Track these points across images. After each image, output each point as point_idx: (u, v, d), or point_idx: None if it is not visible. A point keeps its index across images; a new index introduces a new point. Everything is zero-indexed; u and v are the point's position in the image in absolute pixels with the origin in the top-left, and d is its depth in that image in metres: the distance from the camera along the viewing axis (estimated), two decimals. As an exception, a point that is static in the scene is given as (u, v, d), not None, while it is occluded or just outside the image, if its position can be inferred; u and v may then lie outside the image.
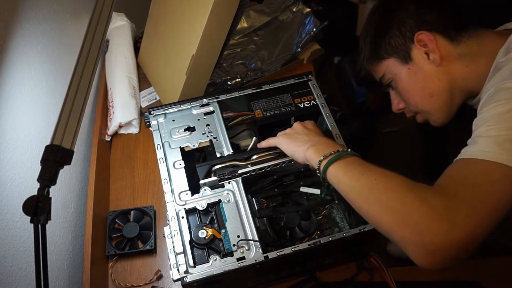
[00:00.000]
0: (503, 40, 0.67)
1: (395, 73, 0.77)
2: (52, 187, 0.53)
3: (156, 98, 1.10)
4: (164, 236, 0.70)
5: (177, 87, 0.94)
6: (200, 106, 0.83)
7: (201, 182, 0.73)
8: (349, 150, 0.65)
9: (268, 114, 0.81)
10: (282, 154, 0.77)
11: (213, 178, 0.73)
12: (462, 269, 0.84)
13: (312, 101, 0.83)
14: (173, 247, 0.67)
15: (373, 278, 0.81)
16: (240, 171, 0.74)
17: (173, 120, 0.81)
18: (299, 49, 1.13)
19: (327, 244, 0.67)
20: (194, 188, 0.73)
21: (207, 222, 0.71)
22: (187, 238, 0.68)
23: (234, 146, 0.79)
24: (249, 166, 0.75)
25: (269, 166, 0.75)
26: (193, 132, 0.80)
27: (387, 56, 0.77)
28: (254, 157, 0.77)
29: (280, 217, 0.76)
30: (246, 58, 1.13)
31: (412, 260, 0.53)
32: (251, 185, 0.77)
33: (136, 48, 1.16)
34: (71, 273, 0.85)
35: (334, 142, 0.72)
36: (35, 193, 0.51)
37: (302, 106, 0.82)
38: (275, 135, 0.83)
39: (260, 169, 0.74)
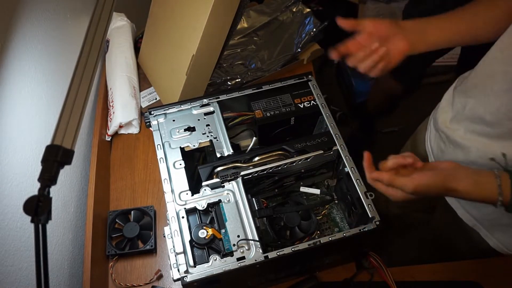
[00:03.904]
0: None
1: None
2: (53, 187, 0.52)
3: (156, 98, 1.10)
4: (164, 236, 0.70)
5: (177, 87, 0.94)
6: (200, 106, 0.83)
7: (204, 184, 0.73)
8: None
9: (268, 114, 0.81)
10: (284, 156, 0.77)
11: (216, 180, 0.73)
12: (462, 269, 0.84)
13: (312, 101, 0.83)
14: (173, 247, 0.67)
15: (373, 278, 0.81)
16: (242, 173, 0.74)
17: (173, 120, 0.81)
18: (299, 49, 1.13)
19: (327, 244, 0.67)
20: (194, 188, 0.73)
21: (207, 222, 0.72)
22: (187, 238, 0.68)
23: (234, 146, 0.79)
24: (251, 167, 0.75)
25: (271, 168, 0.75)
26: (193, 132, 0.80)
27: None
28: (256, 158, 0.77)
29: (280, 217, 0.76)
30: (246, 58, 1.13)
31: None
32: (252, 186, 0.77)
33: (136, 48, 1.16)
34: (72, 273, 0.85)
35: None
36: (36, 193, 0.51)
37: (302, 106, 0.82)
38: (275, 136, 0.83)
39: (262, 170, 0.74)
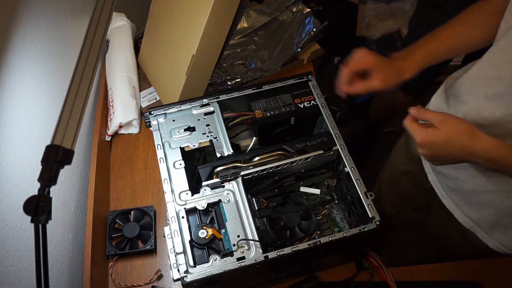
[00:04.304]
0: None
1: None
2: (53, 187, 0.53)
3: (156, 98, 1.10)
4: (164, 236, 0.70)
5: (177, 87, 0.94)
6: (200, 106, 0.83)
7: (204, 184, 0.73)
8: None
9: (268, 114, 0.81)
10: (284, 156, 0.77)
11: (216, 180, 0.73)
12: (462, 269, 0.84)
13: (312, 101, 0.83)
14: (173, 247, 0.67)
15: (373, 278, 0.81)
16: (242, 173, 0.74)
17: (173, 120, 0.81)
18: (299, 49, 1.13)
19: (327, 244, 0.67)
20: (194, 188, 0.73)
21: (207, 222, 0.72)
22: (187, 238, 0.68)
23: (234, 146, 0.79)
24: (251, 167, 0.75)
25: (270, 168, 0.75)
26: (193, 132, 0.80)
27: None
28: (256, 158, 0.77)
29: (280, 217, 0.76)
30: (246, 58, 1.13)
31: None
32: (252, 186, 0.77)
33: (136, 48, 1.16)
34: (72, 273, 0.85)
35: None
36: (36, 193, 0.51)
37: (302, 106, 0.82)
38: (275, 136, 0.83)
39: (262, 170, 0.74)
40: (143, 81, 1.13)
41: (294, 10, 1.20)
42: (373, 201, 0.70)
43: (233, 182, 0.73)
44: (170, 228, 0.69)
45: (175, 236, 0.67)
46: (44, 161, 0.53)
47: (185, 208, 0.70)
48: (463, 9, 0.85)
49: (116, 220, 0.89)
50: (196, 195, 0.72)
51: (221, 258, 0.66)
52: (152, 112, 0.82)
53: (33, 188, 0.52)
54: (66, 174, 0.89)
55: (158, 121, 0.81)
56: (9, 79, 0.70)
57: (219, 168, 0.75)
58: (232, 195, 0.72)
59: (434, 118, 0.63)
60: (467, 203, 0.81)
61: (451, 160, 0.66)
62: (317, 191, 0.81)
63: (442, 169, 0.85)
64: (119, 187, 0.97)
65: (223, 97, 0.84)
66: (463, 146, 0.62)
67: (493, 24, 0.72)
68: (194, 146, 0.78)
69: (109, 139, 1.04)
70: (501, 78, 0.65)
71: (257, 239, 0.67)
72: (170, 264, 0.66)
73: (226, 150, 0.78)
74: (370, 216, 0.68)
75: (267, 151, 0.77)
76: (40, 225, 0.50)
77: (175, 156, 0.76)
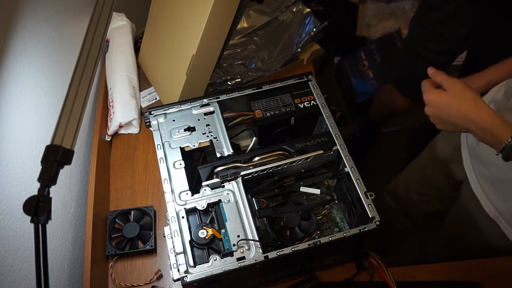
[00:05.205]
0: None
1: None
2: (53, 187, 0.53)
3: (156, 98, 1.10)
4: (164, 236, 0.70)
5: (177, 87, 0.94)
6: (200, 106, 0.83)
7: (204, 184, 0.73)
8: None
9: (268, 114, 0.81)
10: (284, 156, 0.77)
11: (215, 180, 0.73)
12: (462, 269, 0.84)
13: (312, 101, 0.83)
14: (173, 247, 0.67)
15: (373, 278, 0.81)
16: (242, 173, 0.74)
17: (173, 120, 0.81)
18: (299, 49, 1.13)
19: (327, 244, 0.67)
20: (194, 188, 0.73)
21: (207, 222, 0.72)
22: (187, 238, 0.68)
23: (234, 146, 0.79)
24: (251, 167, 0.75)
25: (271, 168, 0.75)
26: (193, 132, 0.80)
27: None
28: (256, 158, 0.77)
29: (280, 217, 0.76)
30: (246, 58, 1.13)
31: None
32: (252, 186, 0.77)
33: (136, 48, 1.16)
34: (72, 273, 0.85)
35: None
36: (36, 193, 0.51)
37: (302, 106, 0.82)
38: (275, 136, 0.83)
39: (262, 170, 0.74)
40: (143, 81, 1.13)
41: (294, 10, 1.20)
42: (373, 201, 0.70)
43: (233, 182, 0.73)
44: (170, 228, 0.69)
45: (175, 236, 0.67)
46: (44, 161, 0.53)
47: (185, 208, 0.70)
48: (462, 11, 0.84)
49: (116, 220, 0.89)
50: (196, 195, 0.72)
51: (221, 258, 0.66)
52: (152, 112, 0.82)
53: (33, 188, 0.52)
54: (66, 174, 0.89)
55: (158, 121, 0.81)
56: (9, 79, 0.70)
57: (219, 168, 0.75)
58: (232, 195, 0.72)
59: (444, 82, 0.68)
60: (497, 192, 0.81)
61: (451, 124, 0.68)
62: (317, 191, 0.81)
63: (481, 154, 0.84)
64: (119, 187, 0.97)
65: (223, 97, 0.84)
66: (462, 109, 0.65)
67: None
68: (194, 146, 0.78)
69: (109, 139, 1.04)
70: None
71: (257, 239, 0.67)
72: (170, 264, 0.66)
73: (226, 150, 0.78)
74: (370, 216, 0.68)
75: (267, 151, 0.77)
76: (40, 225, 0.51)
77: (175, 156, 0.76)
